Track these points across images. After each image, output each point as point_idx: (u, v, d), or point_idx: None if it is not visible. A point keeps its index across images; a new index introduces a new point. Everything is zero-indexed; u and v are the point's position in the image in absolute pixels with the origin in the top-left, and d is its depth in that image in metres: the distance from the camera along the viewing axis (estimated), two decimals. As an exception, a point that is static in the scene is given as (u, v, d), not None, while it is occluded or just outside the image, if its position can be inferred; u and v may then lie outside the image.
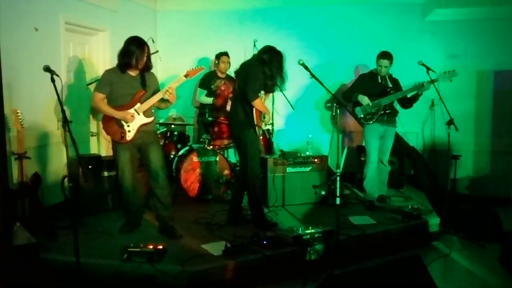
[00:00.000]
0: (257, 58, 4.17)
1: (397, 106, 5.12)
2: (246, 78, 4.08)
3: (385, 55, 4.92)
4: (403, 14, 6.15)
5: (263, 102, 4.22)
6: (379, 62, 4.94)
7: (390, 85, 4.98)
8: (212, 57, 6.38)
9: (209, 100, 5.85)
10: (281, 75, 4.15)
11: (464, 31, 5.99)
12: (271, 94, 5.46)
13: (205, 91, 5.95)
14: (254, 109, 4.11)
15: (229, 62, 5.96)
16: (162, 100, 3.96)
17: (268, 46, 4.21)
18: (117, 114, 3.87)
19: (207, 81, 5.97)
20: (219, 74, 5.99)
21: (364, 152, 5.21)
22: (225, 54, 5.95)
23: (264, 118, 4.22)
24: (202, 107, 5.92)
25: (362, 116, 4.96)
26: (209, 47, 6.48)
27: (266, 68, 4.06)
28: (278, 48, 4.19)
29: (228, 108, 5.19)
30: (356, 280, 2.56)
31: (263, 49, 4.20)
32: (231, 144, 5.71)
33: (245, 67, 4.19)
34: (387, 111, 4.93)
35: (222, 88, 5.87)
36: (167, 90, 3.87)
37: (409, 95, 4.93)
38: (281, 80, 4.18)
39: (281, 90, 5.34)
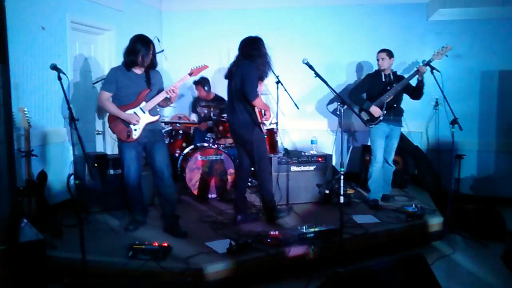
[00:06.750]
0: (246, 56, 4.13)
1: (403, 103, 5.10)
2: (243, 79, 4.06)
3: (381, 49, 4.98)
4: (407, 14, 6.14)
5: (261, 99, 4.24)
6: (377, 56, 5.00)
7: (393, 82, 4.97)
8: (216, 57, 6.42)
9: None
10: (269, 60, 4.21)
11: (468, 30, 5.97)
12: (268, 89, 5.51)
13: (196, 115, 6.22)
14: (255, 108, 4.14)
15: (206, 89, 6.04)
16: (165, 98, 3.99)
17: (249, 38, 4.19)
18: (123, 115, 3.89)
19: (194, 106, 6.26)
20: (202, 98, 6.16)
21: (369, 152, 5.19)
22: (199, 82, 6.03)
23: (264, 115, 4.23)
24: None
25: (369, 118, 4.96)
26: (213, 46, 6.52)
27: (259, 61, 4.10)
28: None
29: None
30: (359, 279, 2.57)
31: (246, 44, 4.17)
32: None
33: (238, 68, 4.14)
34: (394, 106, 4.92)
35: (206, 111, 6.02)
36: (172, 89, 3.90)
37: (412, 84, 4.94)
38: (270, 65, 4.24)
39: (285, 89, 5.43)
